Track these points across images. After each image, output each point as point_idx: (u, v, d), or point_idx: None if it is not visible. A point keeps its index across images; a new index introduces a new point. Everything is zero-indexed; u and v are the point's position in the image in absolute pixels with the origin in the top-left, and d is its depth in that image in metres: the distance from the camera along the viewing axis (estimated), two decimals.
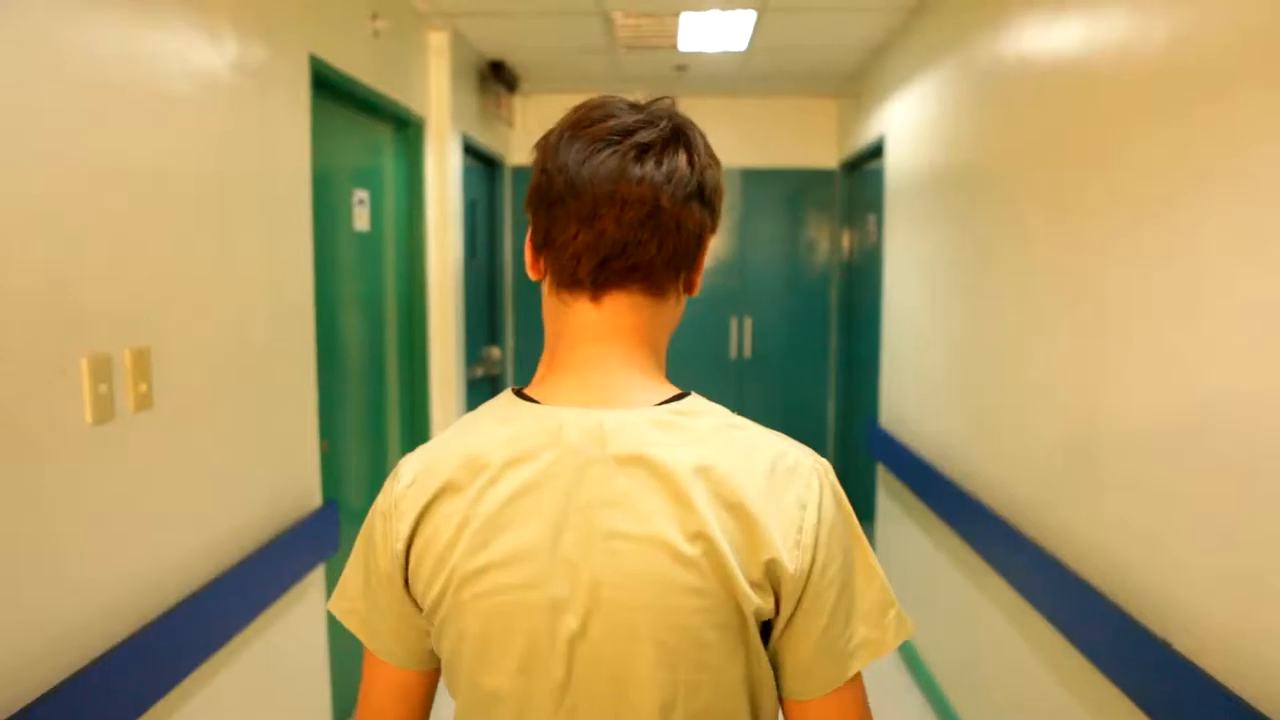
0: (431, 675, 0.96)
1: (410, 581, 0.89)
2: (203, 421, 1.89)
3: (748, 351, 5.41)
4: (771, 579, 0.82)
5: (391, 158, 3.43)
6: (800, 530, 0.83)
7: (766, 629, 0.86)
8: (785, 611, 0.84)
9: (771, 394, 5.42)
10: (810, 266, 5.40)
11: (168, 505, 1.76)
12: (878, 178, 4.17)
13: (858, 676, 0.87)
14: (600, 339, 0.89)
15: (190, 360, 1.84)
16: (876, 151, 4.22)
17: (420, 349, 3.61)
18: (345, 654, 2.77)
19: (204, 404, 1.90)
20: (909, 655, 3.50)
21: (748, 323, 5.39)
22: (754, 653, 0.85)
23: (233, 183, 2.02)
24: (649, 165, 0.85)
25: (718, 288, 5.35)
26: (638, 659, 0.82)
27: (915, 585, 3.43)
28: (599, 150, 0.85)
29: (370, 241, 3.21)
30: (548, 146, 0.89)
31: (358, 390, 3.12)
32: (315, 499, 2.48)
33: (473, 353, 4.36)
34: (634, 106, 0.89)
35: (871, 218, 4.44)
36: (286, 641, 2.30)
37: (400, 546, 0.88)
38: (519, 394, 0.91)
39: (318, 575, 2.48)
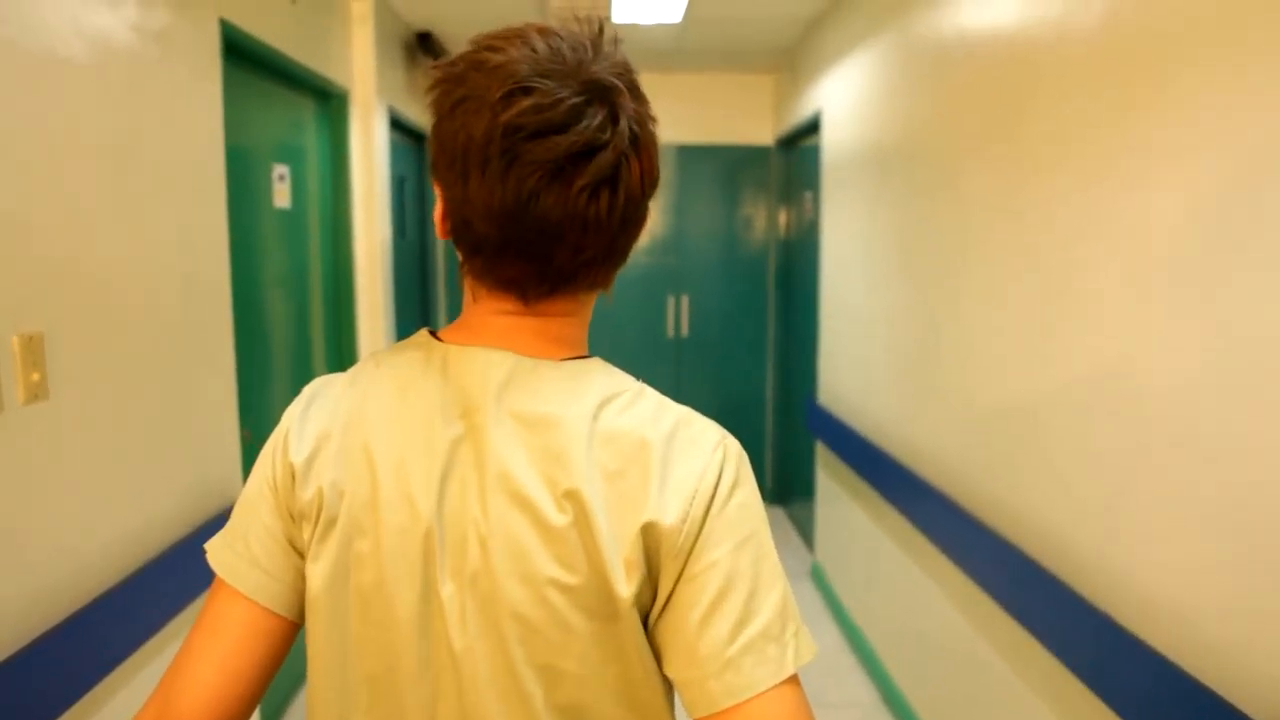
0: (291, 629, 0.83)
1: (298, 487, 0.80)
2: (108, 412, 1.76)
3: (685, 330, 5.36)
4: (649, 550, 0.73)
5: (314, 132, 3.27)
6: (694, 497, 0.74)
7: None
8: (665, 588, 0.74)
9: (709, 372, 5.39)
10: (747, 244, 5.37)
11: (68, 504, 1.63)
12: (814, 154, 4.14)
13: (782, 691, 0.72)
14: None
15: (92, 346, 1.70)
16: (813, 127, 4.18)
17: (348, 332, 3.47)
18: None
19: (109, 393, 1.76)
20: (852, 634, 3.50)
21: (684, 301, 5.34)
22: (632, 649, 0.76)
23: (136, 154, 1.88)
24: None
25: (654, 266, 5.28)
26: (497, 633, 0.75)
27: (856, 562, 3.43)
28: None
29: (292, 219, 3.05)
30: None
31: (282, 376, 2.98)
32: (237, 490, 2.35)
33: (404, 336, 4.22)
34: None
35: (808, 194, 4.42)
36: None
37: (296, 459, 0.80)
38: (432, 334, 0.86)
39: None
